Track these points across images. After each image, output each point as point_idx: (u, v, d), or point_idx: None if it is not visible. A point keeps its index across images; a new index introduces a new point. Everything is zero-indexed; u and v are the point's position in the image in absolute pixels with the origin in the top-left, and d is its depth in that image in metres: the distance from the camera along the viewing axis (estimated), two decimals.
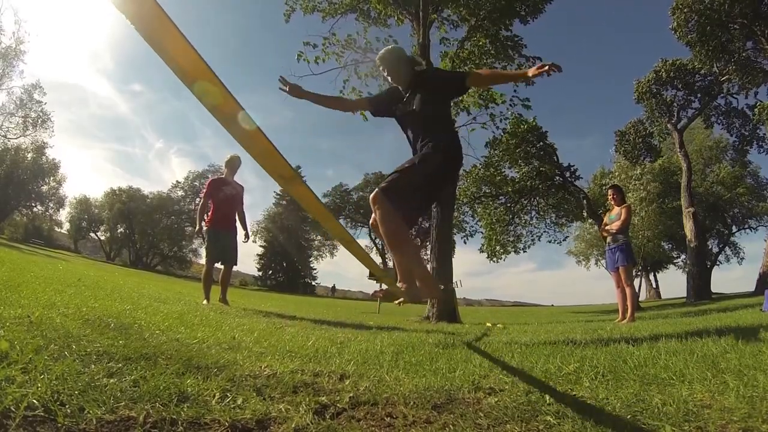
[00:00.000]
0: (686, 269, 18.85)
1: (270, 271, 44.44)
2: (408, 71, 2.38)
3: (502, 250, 16.12)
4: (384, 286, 2.59)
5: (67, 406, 0.85)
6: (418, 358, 1.79)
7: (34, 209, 36.95)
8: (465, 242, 17.17)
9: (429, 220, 9.50)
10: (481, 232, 16.27)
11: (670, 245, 25.75)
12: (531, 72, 2.02)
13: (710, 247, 26.24)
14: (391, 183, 2.01)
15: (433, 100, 2.28)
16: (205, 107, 0.82)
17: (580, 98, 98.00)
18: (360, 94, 9.26)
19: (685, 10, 16.33)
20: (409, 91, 2.34)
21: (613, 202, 5.58)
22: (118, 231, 43.81)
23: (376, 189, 1.98)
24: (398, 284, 2.11)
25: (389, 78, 2.41)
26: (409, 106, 2.30)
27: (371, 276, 11.90)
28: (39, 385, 0.90)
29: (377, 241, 46.41)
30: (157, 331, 1.86)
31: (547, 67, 1.97)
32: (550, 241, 17.01)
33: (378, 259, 46.81)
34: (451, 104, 8.94)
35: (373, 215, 2.12)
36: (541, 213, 16.55)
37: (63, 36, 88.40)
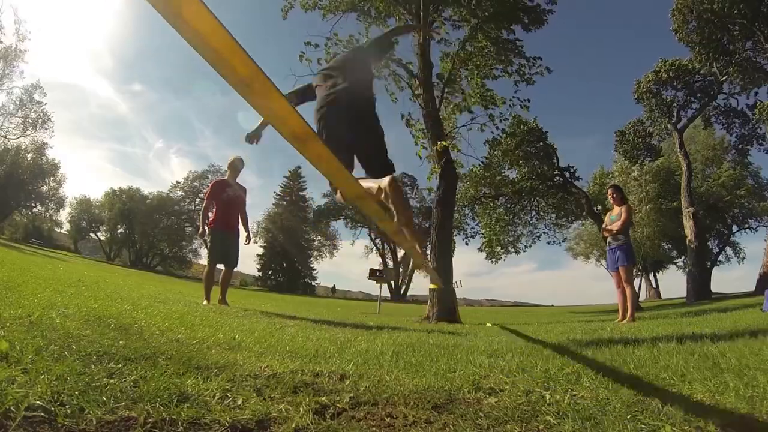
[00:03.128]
0: (686, 269, 18.85)
1: (270, 272, 44.44)
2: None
3: (502, 251, 16.13)
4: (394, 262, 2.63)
5: (67, 407, 0.85)
6: (418, 358, 1.79)
7: (34, 209, 36.94)
8: (466, 243, 17.20)
9: (429, 221, 9.50)
10: (482, 234, 16.28)
11: (670, 245, 25.74)
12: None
13: (710, 247, 26.22)
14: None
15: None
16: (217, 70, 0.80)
17: (580, 98, 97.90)
18: None
19: (685, 11, 16.34)
20: None
21: (612, 202, 5.58)
22: (118, 231, 43.83)
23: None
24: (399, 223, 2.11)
25: None
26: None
27: (371, 276, 11.92)
28: (39, 385, 0.90)
29: (377, 241, 46.43)
30: (157, 332, 1.86)
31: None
32: (549, 243, 17.03)
33: (378, 260, 46.81)
34: (440, 102, 8.86)
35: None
36: (542, 213, 16.56)
37: (63, 36, 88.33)
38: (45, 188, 35.37)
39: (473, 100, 9.12)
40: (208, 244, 5.10)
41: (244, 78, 0.86)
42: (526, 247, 16.47)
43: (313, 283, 46.36)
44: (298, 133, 1.11)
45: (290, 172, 48.03)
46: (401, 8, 9.32)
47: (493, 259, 16.26)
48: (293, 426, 0.92)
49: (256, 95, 0.92)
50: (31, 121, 29.30)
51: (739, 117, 19.73)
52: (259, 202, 72.97)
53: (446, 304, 7.22)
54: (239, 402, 1.02)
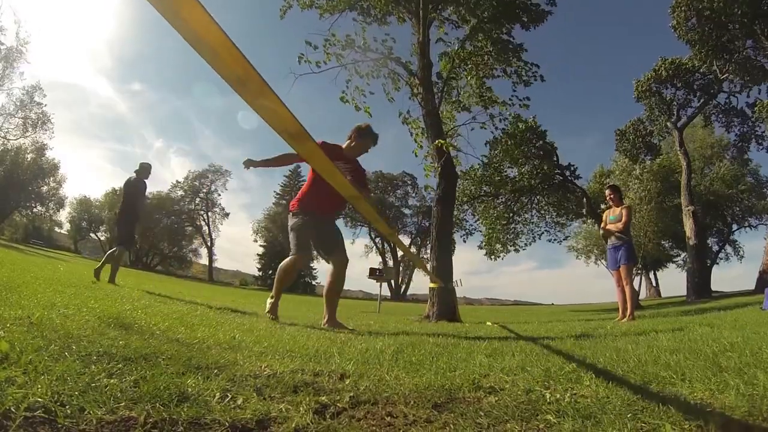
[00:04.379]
0: (686, 267, 18.87)
1: (270, 271, 44.41)
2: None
3: (502, 248, 16.14)
4: None
5: (67, 407, 0.85)
6: (419, 357, 1.79)
7: (35, 210, 36.97)
8: (464, 241, 17.24)
9: (429, 219, 9.48)
10: (481, 231, 16.32)
11: (670, 243, 25.75)
12: None
13: (710, 245, 26.25)
14: None
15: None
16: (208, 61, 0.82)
17: (580, 97, 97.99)
18: (363, 93, 9.10)
19: (685, 9, 16.32)
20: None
21: (611, 203, 5.57)
22: None
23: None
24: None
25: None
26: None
27: (371, 275, 11.91)
28: (39, 385, 0.90)
29: (377, 240, 46.45)
30: (157, 332, 1.86)
31: None
32: (550, 240, 17.04)
33: (377, 259, 46.75)
34: (440, 111, 8.94)
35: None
36: (542, 212, 16.57)
37: (62, 35, 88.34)
38: (45, 188, 35.42)
39: (473, 99, 9.11)
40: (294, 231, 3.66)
41: (240, 76, 0.87)
42: (526, 244, 16.47)
43: (313, 283, 46.36)
44: (293, 131, 1.12)
45: (290, 171, 48.06)
46: (401, 7, 9.29)
47: (493, 257, 16.29)
48: (293, 425, 0.92)
49: (252, 93, 0.93)
50: (31, 122, 29.30)
51: (738, 115, 19.75)
52: (259, 201, 73.08)
53: (446, 303, 7.21)
54: (239, 402, 1.02)
